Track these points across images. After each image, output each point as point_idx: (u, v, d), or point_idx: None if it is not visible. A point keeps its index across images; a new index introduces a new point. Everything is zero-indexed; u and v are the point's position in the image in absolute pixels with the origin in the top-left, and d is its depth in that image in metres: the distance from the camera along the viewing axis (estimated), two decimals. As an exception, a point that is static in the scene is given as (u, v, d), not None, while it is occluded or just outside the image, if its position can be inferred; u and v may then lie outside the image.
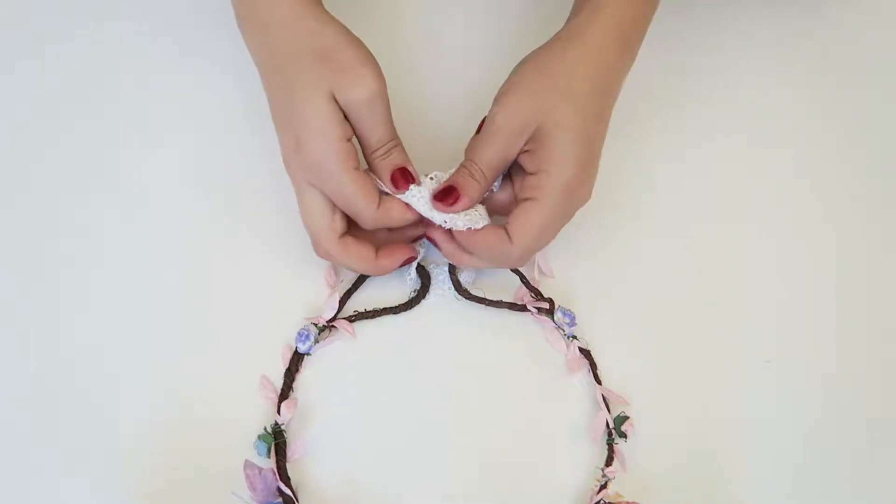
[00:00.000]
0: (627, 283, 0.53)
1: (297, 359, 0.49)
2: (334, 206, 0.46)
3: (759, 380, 0.52)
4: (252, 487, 0.46)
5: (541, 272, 0.52)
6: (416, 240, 0.50)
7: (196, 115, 0.54)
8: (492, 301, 0.51)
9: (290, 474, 0.46)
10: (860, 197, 0.57)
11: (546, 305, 0.51)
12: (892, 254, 0.56)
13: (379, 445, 0.48)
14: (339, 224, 0.46)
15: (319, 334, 0.49)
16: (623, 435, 0.49)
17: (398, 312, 0.51)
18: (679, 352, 0.52)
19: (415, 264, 0.50)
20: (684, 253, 0.54)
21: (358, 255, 0.47)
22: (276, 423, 0.47)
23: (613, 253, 0.53)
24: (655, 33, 0.50)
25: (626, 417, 0.50)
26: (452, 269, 0.51)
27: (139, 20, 0.56)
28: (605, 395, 0.50)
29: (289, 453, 0.47)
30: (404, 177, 0.47)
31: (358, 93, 0.44)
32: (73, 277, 0.50)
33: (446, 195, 0.46)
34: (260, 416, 0.48)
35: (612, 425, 0.50)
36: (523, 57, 0.48)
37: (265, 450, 0.46)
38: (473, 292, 0.51)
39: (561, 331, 0.51)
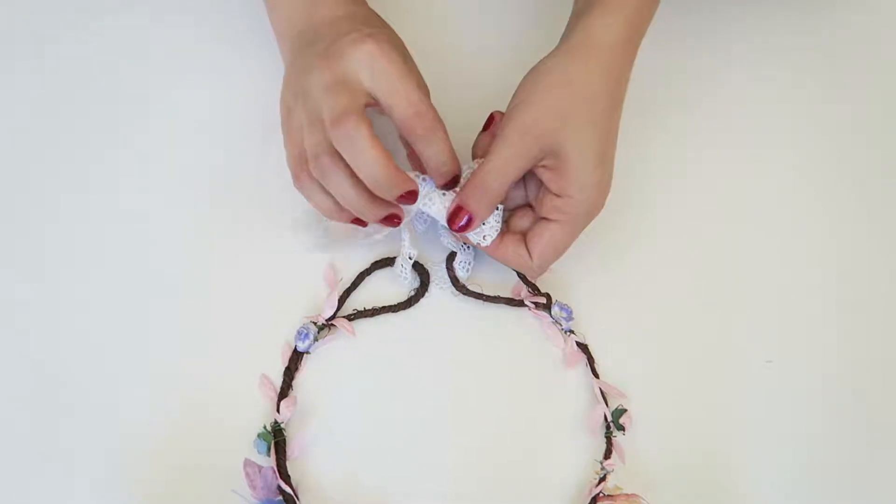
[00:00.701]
0: (625, 278, 0.53)
1: (296, 357, 0.49)
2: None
3: (758, 376, 0.52)
4: (252, 486, 0.46)
5: (538, 268, 0.53)
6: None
7: (197, 114, 0.54)
8: (489, 297, 0.51)
9: (289, 472, 0.47)
10: (862, 197, 0.57)
11: (543, 300, 0.51)
12: (893, 254, 0.56)
13: (379, 443, 0.48)
14: None
15: (319, 333, 0.50)
16: (621, 428, 0.49)
17: (397, 311, 0.51)
18: (676, 346, 0.52)
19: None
20: (682, 249, 0.54)
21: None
22: (276, 422, 0.47)
23: (611, 248, 0.53)
24: (658, 33, 0.50)
25: (624, 410, 0.50)
26: (450, 266, 0.51)
27: (139, 19, 0.56)
28: (602, 388, 0.50)
29: (288, 451, 0.47)
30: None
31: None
32: (73, 277, 0.50)
33: (456, 216, 0.46)
34: (260, 414, 0.48)
35: (609, 419, 0.50)
36: (536, 62, 0.47)
37: (265, 448, 0.47)
38: (471, 288, 0.51)
39: (558, 325, 0.52)
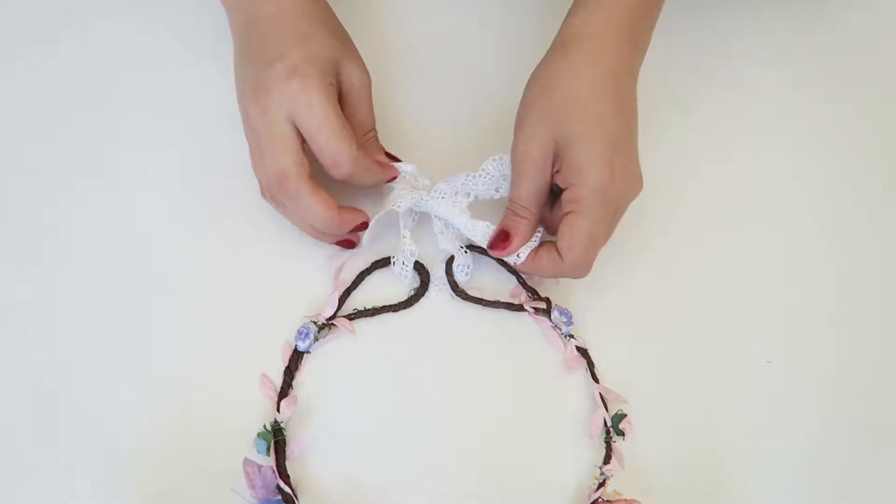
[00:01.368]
0: (624, 282, 0.53)
1: (296, 357, 0.49)
2: (303, 145, 0.45)
3: (758, 378, 0.52)
4: (251, 485, 0.46)
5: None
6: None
7: (196, 113, 0.54)
8: (489, 301, 0.51)
9: (289, 472, 0.47)
10: (862, 197, 0.57)
11: (543, 305, 0.52)
12: (893, 254, 0.56)
13: (378, 443, 0.48)
14: (307, 164, 0.46)
15: (319, 332, 0.50)
16: (621, 433, 0.49)
17: (397, 310, 0.51)
18: (677, 350, 0.52)
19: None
20: (682, 252, 0.54)
21: (323, 201, 0.45)
22: (276, 421, 0.47)
23: (610, 251, 0.53)
24: (660, 33, 0.50)
25: (624, 416, 0.50)
26: (449, 271, 0.51)
27: (139, 19, 0.56)
28: (602, 393, 0.50)
29: (288, 451, 0.47)
30: (392, 157, 0.50)
31: (364, 75, 0.48)
32: (73, 277, 0.50)
33: (500, 241, 0.48)
34: (260, 413, 0.48)
35: (609, 423, 0.50)
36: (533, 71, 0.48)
37: (264, 447, 0.47)
38: (470, 292, 0.51)
39: (558, 330, 0.52)
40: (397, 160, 0.50)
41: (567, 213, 0.46)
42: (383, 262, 0.52)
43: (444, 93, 0.57)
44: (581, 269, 0.48)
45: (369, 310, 0.51)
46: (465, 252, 0.51)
